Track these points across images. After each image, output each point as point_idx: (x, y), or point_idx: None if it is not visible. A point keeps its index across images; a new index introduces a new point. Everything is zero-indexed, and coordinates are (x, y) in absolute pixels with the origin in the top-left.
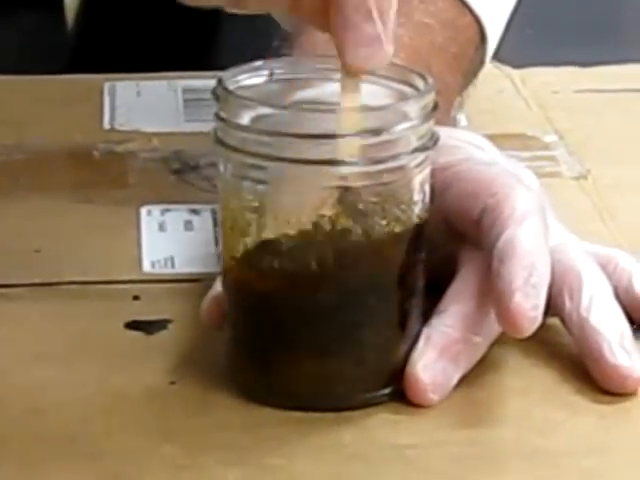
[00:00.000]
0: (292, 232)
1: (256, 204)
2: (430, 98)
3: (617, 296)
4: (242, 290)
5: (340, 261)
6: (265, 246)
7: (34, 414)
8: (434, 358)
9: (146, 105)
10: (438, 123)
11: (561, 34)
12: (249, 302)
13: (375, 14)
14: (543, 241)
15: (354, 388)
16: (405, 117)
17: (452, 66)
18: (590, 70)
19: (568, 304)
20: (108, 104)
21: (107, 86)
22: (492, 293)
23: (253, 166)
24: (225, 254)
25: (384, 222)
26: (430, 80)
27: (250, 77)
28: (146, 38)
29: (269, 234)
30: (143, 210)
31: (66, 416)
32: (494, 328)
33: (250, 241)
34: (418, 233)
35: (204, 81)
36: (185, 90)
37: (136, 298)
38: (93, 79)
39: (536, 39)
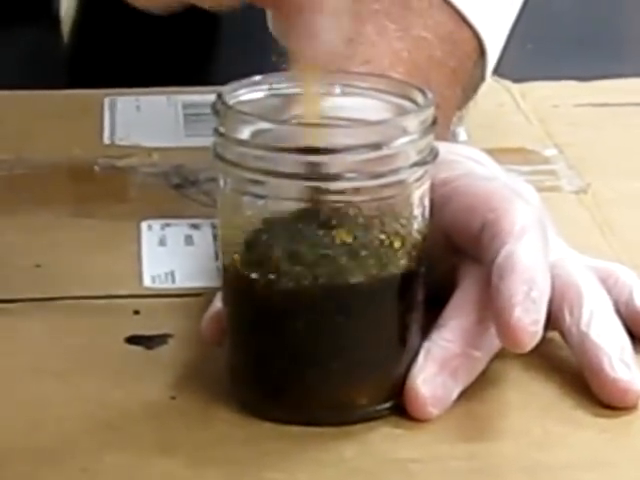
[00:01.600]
0: (292, 247)
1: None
2: (429, 113)
3: (617, 310)
4: (242, 303)
5: (339, 276)
6: (264, 260)
7: (34, 428)
8: (434, 372)
9: (146, 120)
10: (437, 137)
11: (561, 49)
12: (249, 316)
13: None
14: (542, 256)
15: (355, 402)
16: (404, 132)
17: (451, 80)
18: (590, 84)
19: (568, 319)
20: (108, 119)
21: (107, 101)
22: (492, 308)
23: (252, 181)
24: (224, 268)
25: (383, 236)
26: (429, 95)
27: (249, 92)
28: (143, 52)
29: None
30: (144, 225)
31: (66, 430)
32: (494, 342)
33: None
34: (418, 247)
35: (204, 96)
36: (185, 105)
37: (136, 313)
38: (93, 94)
39: (536, 53)
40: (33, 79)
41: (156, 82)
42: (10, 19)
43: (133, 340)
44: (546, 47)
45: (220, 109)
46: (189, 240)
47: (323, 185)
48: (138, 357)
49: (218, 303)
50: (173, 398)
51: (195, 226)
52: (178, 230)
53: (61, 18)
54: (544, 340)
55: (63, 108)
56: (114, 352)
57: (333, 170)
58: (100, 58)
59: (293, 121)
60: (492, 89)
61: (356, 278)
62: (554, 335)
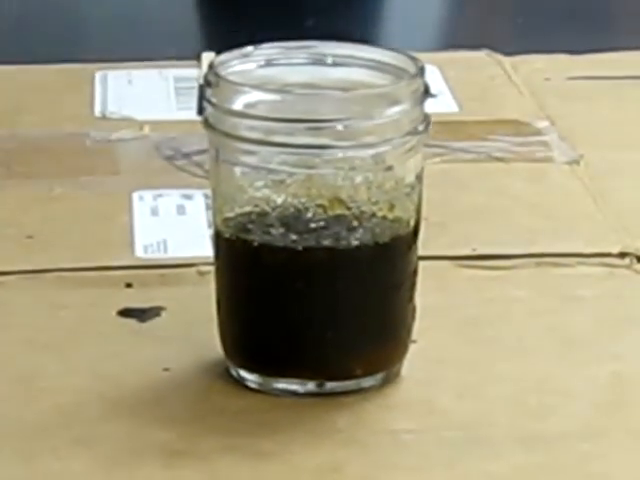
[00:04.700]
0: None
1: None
2: (421, 82)
3: None
4: (235, 271)
5: (334, 242)
6: (259, 226)
7: (28, 401)
8: None
9: (137, 93)
10: None
11: (552, 22)
12: (243, 284)
13: None
14: None
15: (349, 373)
16: (396, 101)
17: None
18: (582, 57)
19: None
20: (99, 93)
21: (98, 75)
22: None
23: (244, 151)
24: (217, 235)
25: (377, 207)
26: (420, 63)
27: (241, 63)
28: None
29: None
30: (135, 195)
31: (60, 403)
32: None
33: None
34: (412, 217)
35: (195, 70)
36: (176, 79)
37: (129, 286)
38: (85, 68)
39: (527, 27)
40: None
41: None
42: None
43: (126, 313)
44: (537, 20)
45: (212, 80)
46: (181, 210)
47: (316, 155)
48: (131, 330)
49: None
50: (166, 370)
51: (187, 196)
52: (170, 200)
53: None
54: (540, 310)
55: (54, 82)
56: (107, 325)
57: (325, 140)
58: None
59: (285, 91)
60: (484, 62)
61: (349, 246)
62: (550, 303)
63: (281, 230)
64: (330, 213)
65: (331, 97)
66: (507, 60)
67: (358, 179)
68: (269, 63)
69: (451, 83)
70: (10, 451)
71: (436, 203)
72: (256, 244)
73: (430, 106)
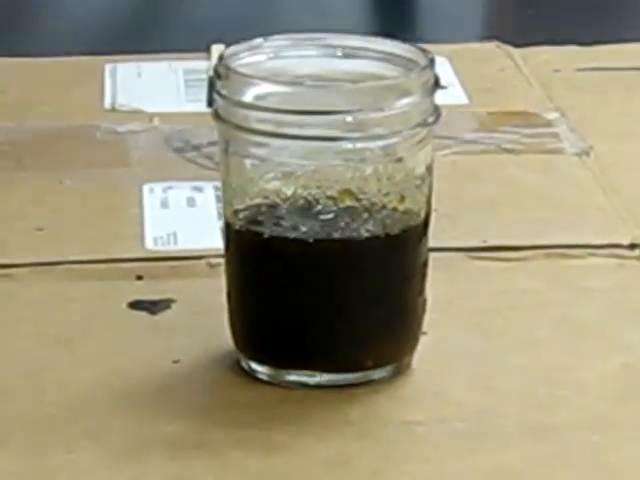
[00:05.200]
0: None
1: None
2: (431, 73)
3: None
4: (245, 262)
5: (345, 233)
6: (268, 220)
7: (37, 394)
8: None
9: (147, 86)
10: None
11: (562, 13)
12: (253, 276)
13: None
14: None
15: (360, 364)
16: (406, 93)
17: None
18: (591, 49)
19: None
20: (109, 85)
21: (108, 67)
22: None
23: (254, 143)
24: (227, 226)
25: (388, 199)
26: (430, 55)
27: (251, 55)
28: None
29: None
30: (145, 188)
31: (69, 395)
32: None
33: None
34: (422, 209)
35: (204, 62)
36: (186, 71)
37: (139, 278)
38: (94, 60)
39: (537, 19)
40: None
41: None
42: None
43: (136, 305)
44: (547, 12)
45: (222, 72)
46: (191, 202)
47: (326, 147)
48: (141, 322)
49: None
50: (176, 362)
51: (197, 188)
52: (180, 192)
53: None
54: (550, 301)
55: (64, 74)
56: (117, 317)
57: (335, 132)
58: None
59: (295, 83)
60: (494, 54)
61: (359, 238)
62: (561, 296)
63: (291, 222)
64: (340, 205)
65: (341, 89)
66: (517, 52)
67: (368, 171)
68: (279, 55)
69: (461, 75)
70: (19, 444)
71: (446, 195)
72: (266, 236)
73: (440, 98)
